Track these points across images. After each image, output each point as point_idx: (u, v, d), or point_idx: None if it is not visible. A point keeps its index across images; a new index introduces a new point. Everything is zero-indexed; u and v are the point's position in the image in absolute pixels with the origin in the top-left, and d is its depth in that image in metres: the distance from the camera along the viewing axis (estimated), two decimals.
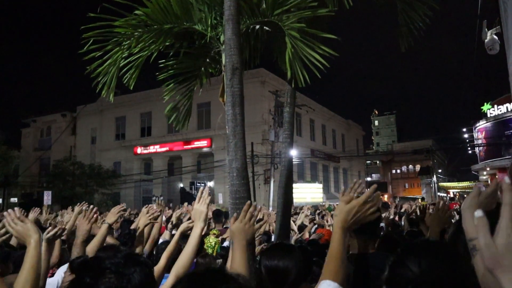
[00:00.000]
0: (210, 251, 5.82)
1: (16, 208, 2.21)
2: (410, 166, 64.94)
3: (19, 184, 40.71)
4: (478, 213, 1.66)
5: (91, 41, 3.87)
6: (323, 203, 31.36)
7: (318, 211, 13.35)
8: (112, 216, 3.71)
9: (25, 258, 2.06)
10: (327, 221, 9.36)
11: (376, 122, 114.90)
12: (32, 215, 5.19)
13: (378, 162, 69.74)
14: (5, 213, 2.17)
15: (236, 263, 2.15)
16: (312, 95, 38.25)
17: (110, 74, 3.99)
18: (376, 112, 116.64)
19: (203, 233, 2.89)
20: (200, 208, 2.77)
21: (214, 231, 7.15)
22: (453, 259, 1.31)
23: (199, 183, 29.71)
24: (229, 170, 3.23)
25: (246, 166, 3.26)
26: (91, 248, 3.23)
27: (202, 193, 2.80)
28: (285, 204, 4.53)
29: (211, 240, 5.87)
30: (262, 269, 2.40)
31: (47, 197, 22.17)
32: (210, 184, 33.01)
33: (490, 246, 1.02)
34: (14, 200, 40.45)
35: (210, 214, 6.70)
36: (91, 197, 34.95)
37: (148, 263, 1.64)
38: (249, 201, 2.39)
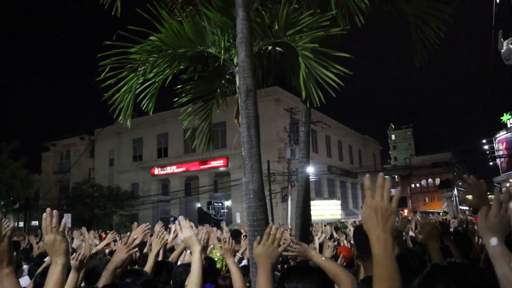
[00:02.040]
0: (219, 264, 5.78)
1: (65, 218, 2.21)
2: (430, 180, 63.81)
3: (40, 207, 41.23)
4: (493, 241, 1.58)
5: (107, 68, 3.93)
6: (342, 220, 31.05)
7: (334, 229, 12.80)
8: (138, 236, 3.63)
9: (47, 279, 2.06)
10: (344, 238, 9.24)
11: (393, 136, 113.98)
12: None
13: (396, 176, 68.89)
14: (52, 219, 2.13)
15: None
16: (327, 112, 38.22)
17: (126, 100, 4.05)
18: (393, 126, 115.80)
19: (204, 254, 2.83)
20: (185, 235, 2.69)
21: (219, 245, 7.10)
22: (482, 282, 1.27)
23: (216, 202, 29.69)
24: (246, 192, 3.22)
25: (263, 187, 3.25)
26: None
27: (179, 225, 2.72)
28: (303, 225, 4.47)
29: (218, 254, 5.82)
30: None
31: (67, 220, 22.40)
32: (228, 203, 32.97)
33: (507, 276, 0.95)
34: (35, 223, 40.97)
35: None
36: (109, 219, 35.21)
37: None
38: (271, 224, 2.33)
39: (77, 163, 40.39)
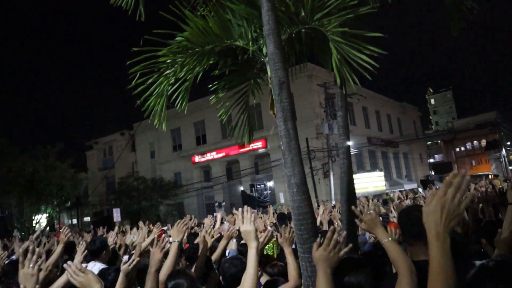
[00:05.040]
0: (270, 253, 5.77)
1: (76, 261, 2.31)
2: (475, 142, 61.68)
3: (90, 204, 42.85)
4: None
5: (138, 75, 3.94)
6: (387, 191, 30.60)
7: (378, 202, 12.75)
8: (179, 233, 3.59)
9: None
10: (391, 212, 9.10)
11: (432, 101, 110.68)
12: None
13: (439, 142, 67.12)
14: (65, 265, 2.25)
15: None
16: (362, 82, 37.34)
17: (159, 105, 4.06)
18: (431, 90, 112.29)
19: (259, 249, 2.86)
20: (246, 228, 2.73)
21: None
22: None
23: (258, 184, 29.89)
24: (289, 185, 3.17)
25: (305, 180, 3.19)
26: (163, 273, 3.26)
27: (243, 214, 2.77)
28: (348, 199, 4.37)
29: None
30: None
31: (117, 214, 23.19)
32: (270, 184, 33.11)
33: None
34: (87, 219, 42.71)
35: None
36: (156, 210, 36.14)
37: None
38: (332, 227, 2.30)
39: (120, 158, 41.51)
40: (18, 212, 31.51)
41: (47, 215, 34.94)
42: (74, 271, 2.21)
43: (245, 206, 2.81)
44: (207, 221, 5.84)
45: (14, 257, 6.18)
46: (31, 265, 2.30)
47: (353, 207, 2.72)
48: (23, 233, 29.41)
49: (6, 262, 4.98)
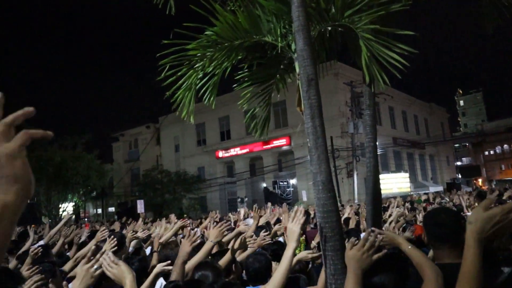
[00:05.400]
0: (297, 252, 5.78)
1: (110, 253, 2.34)
2: (505, 146, 59.98)
3: (115, 195, 43.66)
4: None
5: (167, 67, 3.98)
6: (412, 193, 30.16)
7: (407, 204, 12.66)
8: (218, 235, 3.59)
9: None
10: (418, 215, 8.96)
11: (462, 102, 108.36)
12: (129, 234, 5.38)
13: (467, 144, 65.67)
14: (101, 258, 2.31)
15: None
16: (389, 81, 36.85)
17: (187, 98, 4.09)
18: (460, 92, 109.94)
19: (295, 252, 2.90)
20: (293, 227, 2.79)
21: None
22: None
23: (281, 181, 29.88)
24: (314, 183, 3.15)
25: (331, 178, 3.16)
26: (191, 264, 3.31)
27: (296, 213, 2.81)
28: (374, 200, 4.33)
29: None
30: None
31: (140, 206, 23.52)
32: (293, 181, 33.06)
33: None
34: (111, 209, 43.55)
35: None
36: (179, 203, 36.55)
37: None
38: (370, 230, 2.30)
39: (145, 151, 42.10)
40: (46, 200, 32.38)
41: (73, 203, 35.79)
42: (109, 264, 2.27)
43: (301, 207, 2.91)
44: (243, 227, 5.78)
45: (42, 242, 6.35)
46: (95, 266, 2.33)
47: (370, 230, 2.71)
48: (50, 220, 30.23)
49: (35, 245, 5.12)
